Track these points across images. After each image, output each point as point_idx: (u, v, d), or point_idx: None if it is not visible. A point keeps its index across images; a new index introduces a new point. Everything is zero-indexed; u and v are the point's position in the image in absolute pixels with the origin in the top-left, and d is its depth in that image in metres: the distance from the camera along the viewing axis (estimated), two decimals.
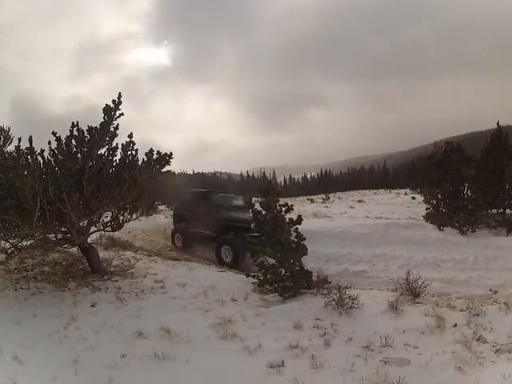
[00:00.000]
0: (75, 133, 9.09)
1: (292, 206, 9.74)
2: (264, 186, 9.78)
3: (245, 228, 14.06)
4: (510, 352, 5.63)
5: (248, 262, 12.72)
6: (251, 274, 9.83)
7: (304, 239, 9.33)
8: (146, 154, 9.74)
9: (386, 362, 5.61)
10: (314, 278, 9.48)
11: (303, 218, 9.66)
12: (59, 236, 9.68)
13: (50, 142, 8.92)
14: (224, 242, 14.43)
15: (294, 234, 9.36)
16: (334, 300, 7.82)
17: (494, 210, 16.57)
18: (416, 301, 8.10)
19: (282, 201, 9.71)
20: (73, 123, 9.09)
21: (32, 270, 10.10)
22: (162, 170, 10.08)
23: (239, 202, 18.02)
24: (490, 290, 10.48)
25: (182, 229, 17.35)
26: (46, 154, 8.86)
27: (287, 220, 9.39)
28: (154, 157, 9.77)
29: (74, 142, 9.08)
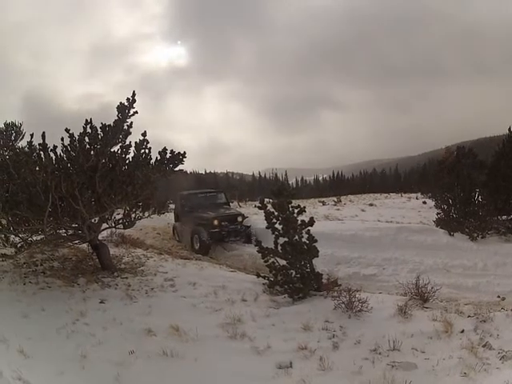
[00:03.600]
0: (88, 130, 9.12)
1: (304, 207, 9.69)
2: (277, 188, 9.77)
3: (207, 224, 16.89)
4: None
5: (215, 251, 16.34)
6: (262, 274, 9.74)
7: (316, 241, 9.27)
8: (159, 153, 9.79)
9: (393, 366, 5.62)
10: (324, 281, 9.47)
11: (315, 219, 9.66)
12: (70, 232, 9.73)
13: (62, 139, 8.95)
14: (194, 233, 16.96)
15: (306, 235, 9.34)
16: (343, 303, 7.81)
17: (505, 217, 16.52)
18: (425, 305, 8.10)
19: (294, 202, 9.69)
20: (86, 120, 9.12)
21: (41, 265, 10.16)
22: (175, 169, 10.13)
23: (220, 199, 20.26)
24: (498, 296, 10.49)
25: (177, 225, 19.68)
26: (58, 151, 8.89)
27: (299, 222, 9.39)
28: (168, 156, 9.81)
29: (87, 139, 9.11)
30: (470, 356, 5.76)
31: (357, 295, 7.90)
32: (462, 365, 5.52)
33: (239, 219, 17.61)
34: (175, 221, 20.27)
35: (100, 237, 10.93)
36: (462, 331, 6.70)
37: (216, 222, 16.84)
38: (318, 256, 9.44)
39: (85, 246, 11.15)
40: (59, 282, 9.02)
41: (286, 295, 9.07)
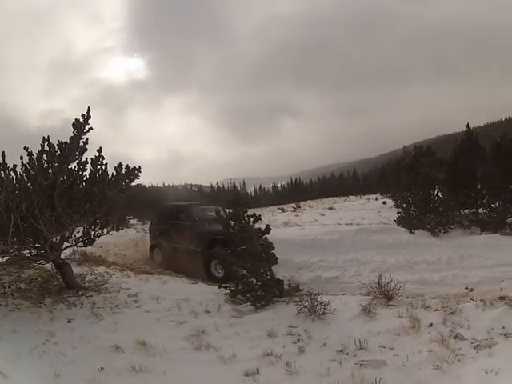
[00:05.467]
0: (46, 148, 9.03)
1: (260, 216, 9.86)
2: (232, 198, 9.83)
3: (232, 241, 12.44)
4: (490, 347, 5.80)
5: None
6: (223, 285, 9.88)
7: (273, 248, 9.49)
8: (115, 168, 9.74)
9: (361, 365, 5.70)
10: (286, 287, 9.61)
11: (273, 227, 9.75)
12: (33, 252, 9.62)
13: (21, 157, 8.85)
14: (213, 257, 13.75)
15: (264, 243, 9.43)
16: (306, 307, 7.93)
17: (467, 210, 16.82)
18: (389, 303, 8.23)
19: (251, 211, 9.81)
20: (44, 138, 9.03)
21: (9, 287, 10.03)
22: (132, 184, 10.14)
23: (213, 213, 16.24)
24: (466, 288, 10.63)
25: (162, 244, 16.28)
26: (18, 170, 8.81)
27: (256, 230, 9.48)
28: (123, 171, 9.78)
29: (45, 156, 9.02)
30: (441, 348, 5.92)
31: (319, 299, 8.03)
32: (433, 358, 5.65)
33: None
34: (154, 239, 17.34)
35: (63, 256, 10.83)
36: (431, 325, 6.87)
37: None
38: (276, 263, 9.63)
39: (49, 266, 11.03)
40: (27, 303, 8.93)
41: (249, 304, 9.16)
